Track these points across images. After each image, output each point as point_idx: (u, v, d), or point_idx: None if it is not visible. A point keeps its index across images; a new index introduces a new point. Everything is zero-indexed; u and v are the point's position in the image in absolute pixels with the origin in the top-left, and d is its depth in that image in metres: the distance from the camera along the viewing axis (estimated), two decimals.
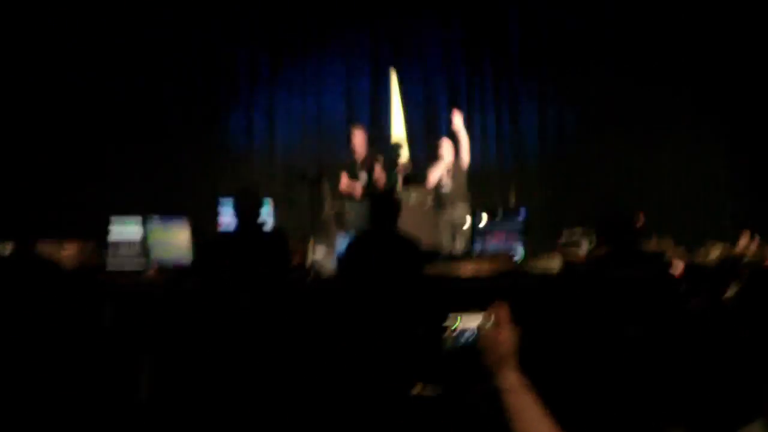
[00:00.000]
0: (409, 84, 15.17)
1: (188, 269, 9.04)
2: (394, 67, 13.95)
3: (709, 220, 14.05)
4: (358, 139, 12.49)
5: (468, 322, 3.36)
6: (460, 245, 11.90)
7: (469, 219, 10.99)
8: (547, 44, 15.33)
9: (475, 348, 3.26)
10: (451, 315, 3.28)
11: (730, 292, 7.94)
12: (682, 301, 7.59)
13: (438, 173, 12.61)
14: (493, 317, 3.19)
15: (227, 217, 10.41)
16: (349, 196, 12.09)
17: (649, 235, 10.24)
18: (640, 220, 12.71)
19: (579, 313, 7.03)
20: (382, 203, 7.97)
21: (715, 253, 9.49)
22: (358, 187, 12.08)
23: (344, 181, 12.21)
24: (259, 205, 7.87)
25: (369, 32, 15.42)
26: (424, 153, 14.02)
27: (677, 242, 10.33)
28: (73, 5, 14.52)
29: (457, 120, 12.78)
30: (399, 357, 7.16)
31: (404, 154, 12.91)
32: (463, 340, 3.32)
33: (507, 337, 3.16)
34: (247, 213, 7.63)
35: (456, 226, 12.34)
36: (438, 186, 12.63)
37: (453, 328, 3.31)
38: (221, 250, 7.66)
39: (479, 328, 3.23)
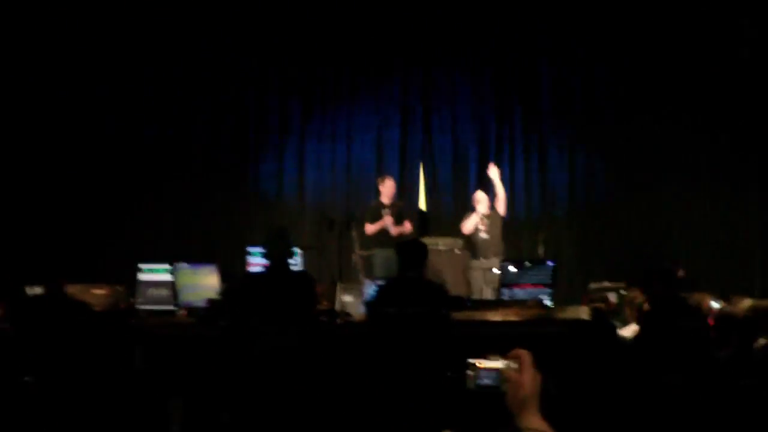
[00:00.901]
0: (438, 134, 15.27)
1: (217, 311, 9.08)
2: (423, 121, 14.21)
3: (739, 270, 13.96)
4: (388, 188, 12.63)
5: (490, 364, 3.36)
6: (489, 294, 11.92)
7: (497, 269, 11.01)
8: (577, 95, 15.31)
9: (497, 390, 3.27)
10: (475, 358, 3.30)
11: (761, 342, 7.93)
12: (712, 350, 7.58)
13: (473, 223, 12.68)
14: (515, 360, 3.21)
15: (255, 264, 10.46)
16: (376, 237, 12.30)
17: (690, 287, 10.20)
18: (681, 272, 12.75)
19: (613, 360, 7.02)
20: (410, 250, 8.00)
21: (745, 303, 9.45)
22: (387, 222, 12.33)
23: (369, 226, 12.36)
24: (290, 245, 7.91)
25: (399, 82, 15.46)
26: (453, 202, 14.05)
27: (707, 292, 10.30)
28: (106, 54, 14.66)
29: (494, 173, 12.89)
30: (426, 401, 7.16)
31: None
32: (485, 381, 3.32)
33: (530, 380, 3.17)
34: (277, 253, 7.66)
35: (487, 275, 12.37)
36: (473, 235, 12.70)
37: (475, 369, 3.31)
38: (249, 291, 7.68)
39: (502, 370, 3.25)
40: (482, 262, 12.56)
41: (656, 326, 7.18)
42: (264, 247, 7.92)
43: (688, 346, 6.78)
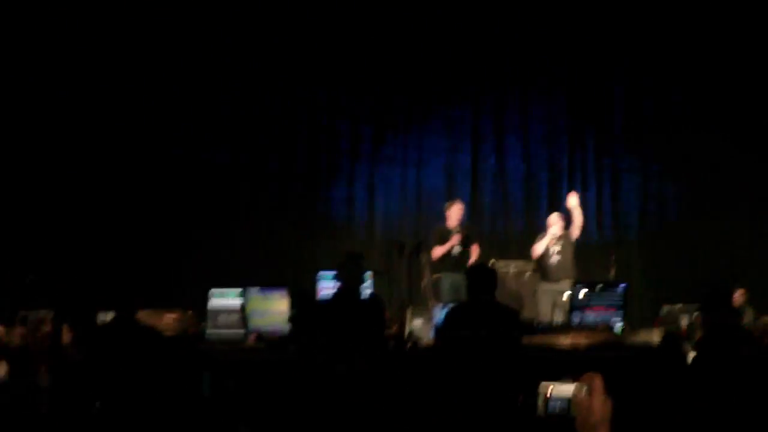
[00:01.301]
0: (510, 157, 15.24)
1: (287, 338, 9.09)
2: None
3: None
4: (455, 213, 12.64)
5: (561, 390, 3.33)
6: (559, 317, 11.84)
7: (568, 291, 10.93)
8: (650, 119, 15.22)
9: (567, 416, 3.24)
10: (545, 382, 3.24)
11: None
12: None
13: (543, 245, 12.62)
14: (586, 386, 3.18)
15: (326, 290, 10.44)
16: (444, 261, 12.31)
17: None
18: (741, 296, 12.57)
19: (682, 386, 6.93)
20: (480, 274, 7.97)
21: None
22: (454, 242, 12.39)
23: (436, 249, 12.37)
24: (362, 270, 7.90)
25: (471, 106, 15.45)
26: (523, 225, 13.99)
27: None
28: (182, 80, 14.79)
29: (573, 199, 12.83)
30: (498, 427, 7.11)
31: None
32: (556, 407, 3.29)
33: (600, 406, 3.14)
34: (348, 277, 7.66)
35: (558, 299, 12.30)
36: (543, 257, 12.64)
37: (546, 394, 3.28)
38: (319, 317, 7.69)
39: (573, 395, 3.22)
40: (552, 285, 12.49)
41: (708, 353, 7.08)
42: (337, 271, 7.92)
43: (743, 373, 6.65)
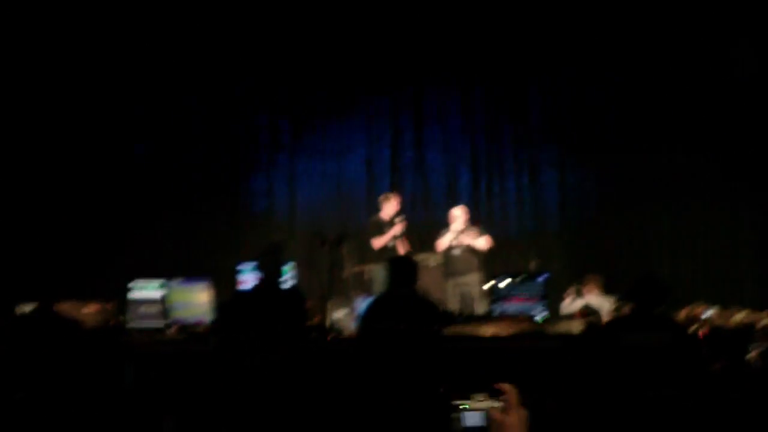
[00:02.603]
0: (429, 150, 15.30)
1: (208, 329, 9.07)
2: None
3: (732, 286, 13.94)
4: (392, 206, 12.72)
5: (476, 405, 3.33)
6: (476, 309, 11.96)
7: (486, 283, 11.02)
8: (567, 111, 15.34)
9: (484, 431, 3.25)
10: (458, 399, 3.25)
11: (752, 355, 7.93)
12: (705, 363, 7.58)
13: (447, 240, 12.73)
14: (501, 401, 3.20)
15: (247, 281, 10.41)
16: (374, 253, 12.41)
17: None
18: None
19: (599, 374, 7.02)
20: (400, 265, 7.99)
21: (738, 316, 9.46)
22: (397, 231, 12.54)
23: (377, 240, 12.46)
24: (281, 262, 7.88)
25: (390, 98, 15.49)
26: (443, 218, 14.04)
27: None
28: (101, 73, 14.69)
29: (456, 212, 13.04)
30: (418, 417, 7.14)
31: None
32: (471, 423, 3.29)
33: (515, 420, 3.16)
34: (269, 270, 7.64)
35: (465, 293, 12.46)
36: (447, 251, 12.75)
37: (460, 410, 3.29)
38: (240, 308, 7.66)
39: (488, 411, 3.23)
40: (457, 279, 12.63)
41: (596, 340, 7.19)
42: (256, 262, 7.90)
43: (663, 359, 6.75)
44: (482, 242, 12.77)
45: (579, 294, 12.61)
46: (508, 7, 15.06)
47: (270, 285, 7.65)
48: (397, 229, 12.56)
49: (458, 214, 12.95)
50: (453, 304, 12.33)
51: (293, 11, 15.03)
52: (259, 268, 7.85)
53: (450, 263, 12.79)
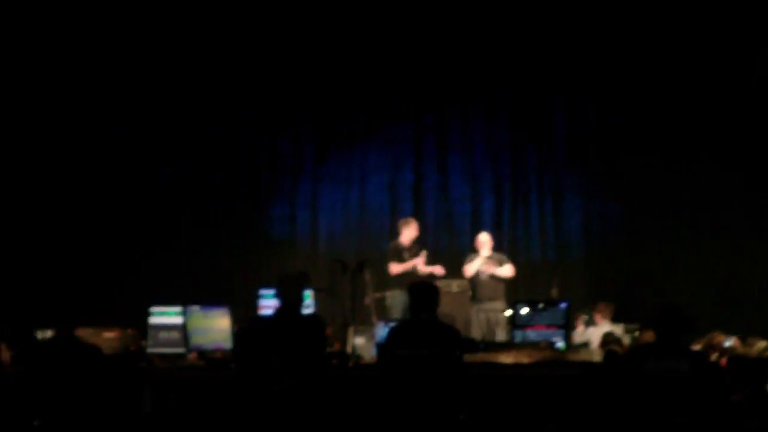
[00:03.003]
0: (453, 176, 15.27)
1: (228, 355, 9.05)
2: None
3: (754, 316, 13.84)
4: (412, 231, 12.72)
5: None
6: (498, 336, 11.94)
7: (507, 311, 10.99)
8: (592, 139, 15.28)
9: None
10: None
11: None
12: (726, 393, 7.51)
13: (475, 266, 12.71)
14: None
15: (268, 307, 10.39)
16: (393, 279, 12.45)
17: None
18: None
19: (620, 402, 6.97)
20: (422, 292, 7.95)
21: (760, 345, 9.39)
22: (419, 261, 12.53)
23: (395, 266, 12.44)
24: (302, 291, 7.84)
25: (414, 124, 15.46)
26: (467, 244, 14.00)
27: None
28: (123, 96, 14.74)
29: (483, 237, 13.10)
30: None
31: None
32: None
33: None
34: (288, 298, 7.61)
35: (490, 319, 12.44)
36: (474, 277, 12.73)
37: None
38: (260, 334, 7.63)
39: None
40: (483, 305, 12.62)
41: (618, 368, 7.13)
42: (276, 290, 7.86)
43: (684, 388, 6.69)
44: (507, 270, 12.77)
45: (590, 322, 12.62)
46: (532, 32, 15.04)
47: (289, 312, 7.62)
48: (419, 261, 12.55)
49: (485, 240, 12.96)
50: (477, 330, 12.32)
51: (317, 37, 15.04)
52: (278, 295, 7.82)
53: (477, 289, 12.77)
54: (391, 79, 15.22)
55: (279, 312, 7.74)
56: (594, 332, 11.88)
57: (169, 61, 14.91)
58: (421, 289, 8.04)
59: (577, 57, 15.05)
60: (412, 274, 12.39)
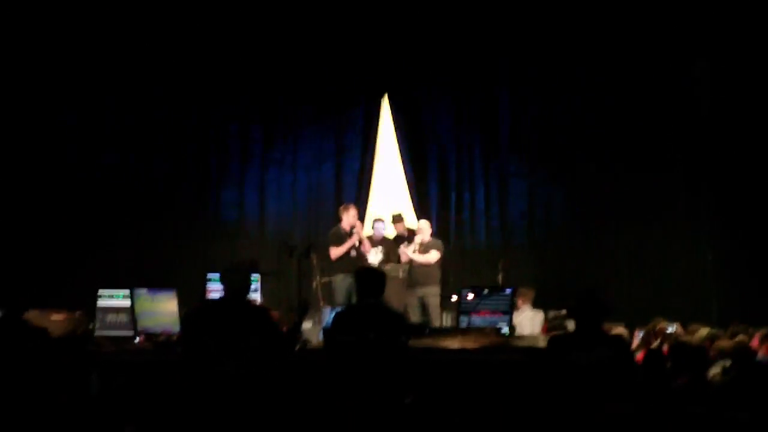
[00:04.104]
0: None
1: (175, 338, 9.06)
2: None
3: (695, 303, 14.01)
4: (351, 217, 12.82)
5: None
6: (432, 320, 12.10)
7: (444, 295, 11.15)
8: (537, 126, 15.35)
9: None
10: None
11: (715, 371, 8.00)
12: (668, 379, 7.63)
13: (410, 251, 12.88)
14: None
15: (215, 291, 10.40)
16: (338, 263, 12.51)
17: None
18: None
19: (553, 390, 7.07)
20: (367, 277, 8.00)
21: (701, 332, 9.54)
22: (355, 240, 12.69)
23: (335, 249, 12.52)
24: (248, 279, 7.84)
25: (361, 109, 15.48)
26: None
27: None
28: (68, 81, 14.67)
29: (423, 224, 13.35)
30: (384, 428, 7.17)
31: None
32: None
33: None
34: (232, 287, 7.61)
35: (425, 304, 12.60)
36: (410, 262, 12.88)
37: None
38: (207, 317, 7.65)
39: None
40: (417, 290, 12.77)
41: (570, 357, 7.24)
42: (221, 278, 7.85)
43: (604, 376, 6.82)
44: (432, 257, 12.92)
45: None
46: (478, 21, 15.09)
47: (235, 299, 7.61)
48: (354, 239, 12.64)
49: (424, 227, 13.11)
50: (413, 315, 12.44)
51: (266, 21, 15.02)
52: (224, 283, 7.82)
53: (412, 274, 12.91)
54: (341, 65, 15.22)
55: (223, 300, 7.76)
56: (516, 317, 11.97)
57: (116, 45, 14.82)
58: (367, 274, 8.10)
59: (523, 43, 15.11)
60: (358, 259, 12.48)
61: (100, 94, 14.88)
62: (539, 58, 15.15)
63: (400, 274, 12.94)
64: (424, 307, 12.71)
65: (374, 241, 13.21)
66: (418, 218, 14.30)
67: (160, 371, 8.46)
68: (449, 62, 15.28)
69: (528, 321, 12.27)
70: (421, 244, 13.04)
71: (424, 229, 13.19)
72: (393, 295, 12.03)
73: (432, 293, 12.75)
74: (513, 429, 7.88)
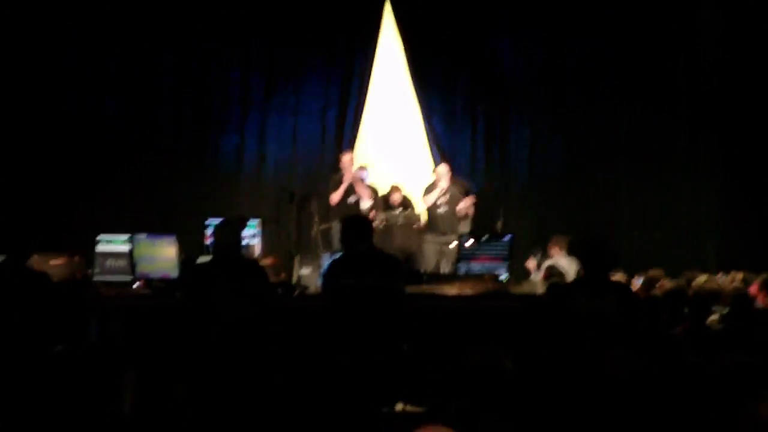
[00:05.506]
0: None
1: (174, 283, 9.08)
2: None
3: (693, 252, 14.05)
4: (348, 162, 12.76)
5: None
6: (446, 268, 12.01)
7: (455, 242, 11.06)
8: (539, 73, 15.30)
9: None
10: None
11: (713, 318, 8.01)
12: (666, 327, 7.65)
13: (433, 197, 12.80)
14: None
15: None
16: (337, 209, 12.47)
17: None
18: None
19: (556, 336, 7.09)
20: (353, 224, 7.98)
21: (699, 279, 9.55)
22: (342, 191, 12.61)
23: (334, 195, 12.50)
24: (239, 235, 7.86)
25: (364, 57, 15.37)
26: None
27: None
28: (69, 27, 14.58)
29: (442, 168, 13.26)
30: (381, 374, 7.20)
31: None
32: None
33: None
34: (224, 243, 7.63)
35: (444, 251, 12.50)
36: (431, 209, 12.82)
37: None
38: (205, 270, 7.69)
39: None
40: (438, 237, 12.69)
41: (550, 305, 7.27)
42: (212, 235, 7.84)
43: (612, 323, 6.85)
44: (468, 203, 12.90)
45: (545, 255, 12.64)
46: None
47: (228, 255, 7.62)
48: (348, 177, 12.61)
49: (443, 172, 13.03)
50: (430, 261, 12.41)
51: None
52: (215, 240, 7.83)
53: (433, 221, 12.85)
54: (343, 10, 15.09)
55: (216, 256, 7.78)
56: (547, 264, 11.85)
57: None
58: (352, 221, 8.10)
59: None
60: (356, 206, 12.48)
61: (102, 39, 14.76)
62: (543, 2, 15.05)
63: (400, 221, 12.85)
64: (442, 255, 12.63)
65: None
66: (436, 164, 14.22)
67: (160, 316, 8.49)
68: (450, 5, 15.15)
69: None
70: (445, 190, 12.96)
71: (444, 174, 13.11)
72: (404, 242, 12.09)
73: (452, 242, 12.61)
74: (512, 376, 7.92)
